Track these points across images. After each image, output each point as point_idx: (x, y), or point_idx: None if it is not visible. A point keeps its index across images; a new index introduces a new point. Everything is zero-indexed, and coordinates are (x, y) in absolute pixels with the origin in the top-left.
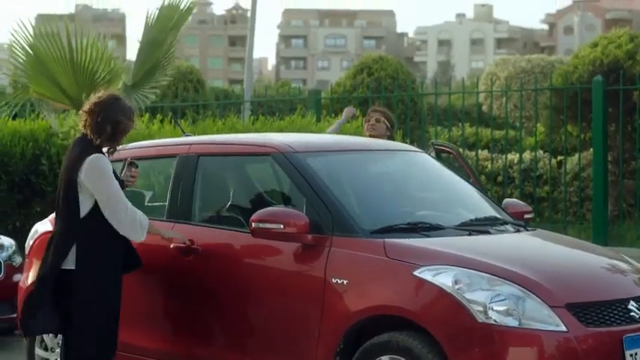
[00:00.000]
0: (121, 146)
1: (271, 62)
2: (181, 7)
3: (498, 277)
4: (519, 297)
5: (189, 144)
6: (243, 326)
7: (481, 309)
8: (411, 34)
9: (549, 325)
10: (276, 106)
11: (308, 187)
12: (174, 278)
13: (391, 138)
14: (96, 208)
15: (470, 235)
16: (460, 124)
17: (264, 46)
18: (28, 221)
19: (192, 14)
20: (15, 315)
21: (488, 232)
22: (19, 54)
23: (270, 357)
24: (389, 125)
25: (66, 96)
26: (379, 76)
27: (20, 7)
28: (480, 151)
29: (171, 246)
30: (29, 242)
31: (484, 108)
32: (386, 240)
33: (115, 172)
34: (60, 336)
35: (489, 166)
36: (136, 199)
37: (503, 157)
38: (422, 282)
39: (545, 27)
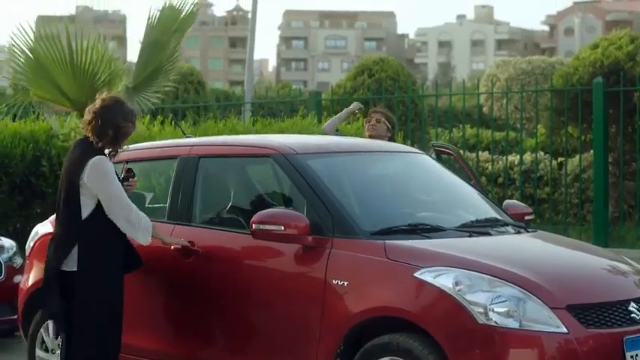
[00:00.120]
0: (123, 147)
1: (272, 64)
2: (183, 8)
3: (499, 278)
4: (520, 298)
5: (189, 145)
6: (243, 328)
7: (482, 310)
8: (411, 36)
9: (550, 327)
10: (277, 107)
11: (308, 189)
12: (174, 280)
13: (392, 139)
14: (97, 210)
15: (470, 236)
16: (461, 126)
17: (265, 48)
18: (29, 223)
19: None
20: (15, 316)
21: (488, 234)
22: (19, 57)
23: (270, 358)
24: (389, 126)
25: (66, 98)
26: (380, 78)
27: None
28: (480, 152)
29: (172, 247)
30: (30, 244)
31: (485, 109)
32: (386, 241)
33: (117, 174)
34: (60, 337)
35: (490, 167)
36: (137, 201)
37: (504, 158)
38: (422, 283)
39: (546, 28)
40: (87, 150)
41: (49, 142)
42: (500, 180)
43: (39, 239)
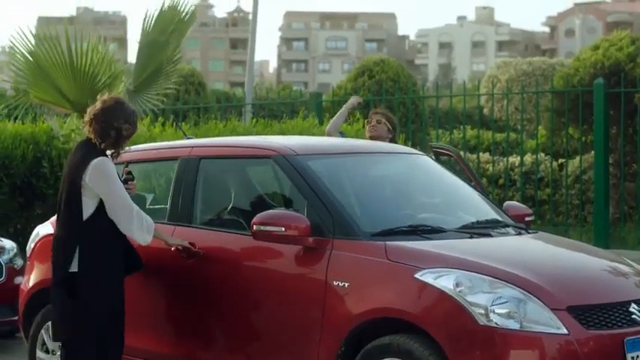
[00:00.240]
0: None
1: (272, 65)
2: (180, 9)
3: (500, 279)
4: (521, 300)
5: (190, 147)
6: (244, 329)
7: (482, 312)
8: (412, 37)
9: (551, 328)
10: (278, 108)
11: (309, 190)
12: (175, 281)
13: (393, 140)
14: (98, 211)
15: (471, 237)
16: (461, 127)
17: (266, 49)
18: (30, 224)
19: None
20: (16, 318)
21: (489, 235)
22: (19, 60)
23: (271, 359)
24: (390, 127)
25: (66, 100)
26: (380, 79)
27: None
28: (481, 153)
29: (173, 248)
30: (31, 245)
31: (485, 111)
32: (387, 243)
33: (119, 175)
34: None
35: (491, 168)
36: (138, 202)
37: (505, 159)
38: (423, 285)
39: (547, 30)
40: (89, 151)
41: (49, 144)
42: (500, 181)
43: (40, 240)
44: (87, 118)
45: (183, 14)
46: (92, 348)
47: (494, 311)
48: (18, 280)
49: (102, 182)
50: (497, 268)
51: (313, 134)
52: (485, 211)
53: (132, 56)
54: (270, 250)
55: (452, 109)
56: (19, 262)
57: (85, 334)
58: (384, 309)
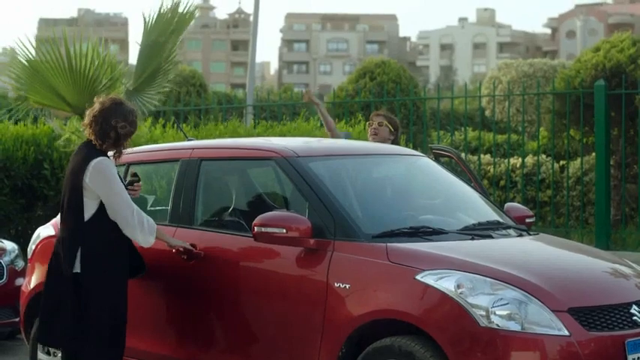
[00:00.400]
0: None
1: (274, 66)
2: (181, 10)
3: (501, 281)
4: (522, 301)
5: (191, 148)
6: (245, 330)
7: (484, 313)
8: (413, 39)
9: (552, 330)
10: (279, 110)
11: (310, 192)
12: (176, 282)
13: (395, 141)
14: (100, 212)
15: (472, 239)
16: (463, 129)
17: (267, 51)
18: (31, 225)
19: (194, 18)
20: (17, 319)
21: (490, 237)
22: (17, 67)
23: None
24: (392, 129)
25: (66, 103)
26: (381, 81)
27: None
28: (482, 155)
29: (174, 250)
30: (32, 246)
31: (486, 112)
32: (388, 244)
33: (120, 176)
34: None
35: (492, 170)
36: (139, 204)
37: (506, 161)
38: (424, 286)
39: (548, 31)
40: (90, 152)
41: (50, 146)
42: (502, 183)
43: (41, 242)
44: (86, 120)
45: (184, 14)
46: (94, 349)
47: (495, 313)
48: (19, 281)
49: (102, 182)
50: (498, 269)
51: (315, 136)
52: (487, 212)
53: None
54: (271, 252)
55: (453, 110)
56: (20, 263)
57: (87, 335)
58: (385, 310)
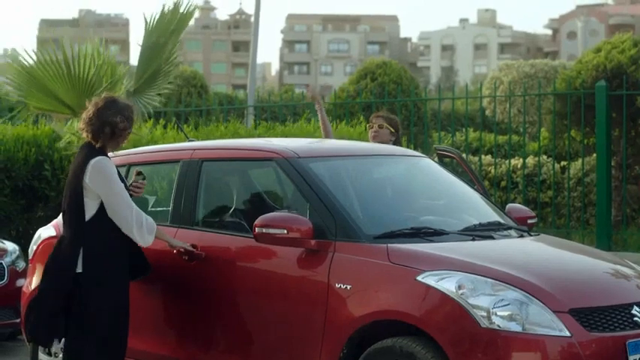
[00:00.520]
0: (125, 151)
1: (275, 67)
2: (182, 10)
3: (502, 282)
4: (523, 302)
5: (192, 149)
6: (245, 331)
7: (485, 314)
8: (414, 39)
9: (553, 330)
10: (280, 111)
11: (311, 193)
12: (177, 283)
13: (397, 142)
14: (100, 212)
15: (473, 240)
16: (463, 129)
17: (268, 51)
18: (31, 226)
19: (195, 19)
20: (18, 320)
21: (491, 237)
22: (14, 74)
23: None
24: (392, 130)
25: (66, 106)
26: (382, 82)
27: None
28: (483, 156)
29: (175, 251)
30: (32, 247)
31: (487, 113)
32: (389, 245)
33: (121, 176)
34: (63, 340)
35: (493, 171)
36: (140, 204)
37: (507, 162)
38: (425, 287)
39: (549, 32)
40: (90, 152)
41: (51, 147)
42: (503, 184)
43: (42, 243)
44: (81, 124)
45: (184, 13)
46: (93, 349)
47: (496, 314)
48: (20, 282)
49: (101, 182)
50: (499, 270)
51: (316, 137)
52: (487, 213)
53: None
54: (272, 253)
55: (454, 111)
56: (21, 264)
57: (88, 335)
58: (386, 311)
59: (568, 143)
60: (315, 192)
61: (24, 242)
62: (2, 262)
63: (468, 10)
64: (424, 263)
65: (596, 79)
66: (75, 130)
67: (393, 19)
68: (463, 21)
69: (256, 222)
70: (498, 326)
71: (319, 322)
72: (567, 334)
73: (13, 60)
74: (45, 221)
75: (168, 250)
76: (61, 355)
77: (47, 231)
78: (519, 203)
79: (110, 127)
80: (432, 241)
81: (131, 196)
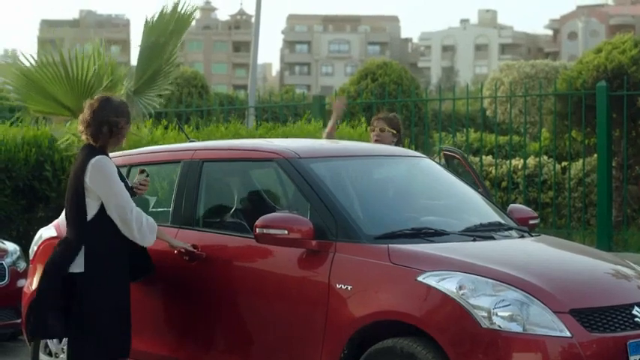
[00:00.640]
0: (125, 152)
1: (275, 68)
2: (180, 10)
3: (502, 282)
4: (523, 302)
5: (193, 149)
6: (246, 331)
7: (485, 314)
8: (415, 40)
9: (553, 331)
10: (281, 111)
11: (312, 193)
12: (178, 283)
13: (399, 143)
14: (101, 211)
15: (474, 240)
16: (464, 130)
17: (269, 52)
18: (32, 226)
19: (196, 20)
20: (19, 320)
21: (492, 238)
22: (13, 78)
23: None
24: (395, 131)
25: (66, 109)
26: (383, 82)
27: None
28: (484, 156)
29: (176, 251)
30: (33, 247)
31: (488, 113)
32: (390, 245)
33: (122, 176)
34: (64, 341)
35: (493, 171)
36: (141, 205)
37: (508, 162)
38: (426, 287)
39: (550, 32)
40: (90, 152)
41: (52, 147)
42: (503, 184)
43: (42, 243)
44: (80, 127)
45: (183, 14)
46: (93, 349)
47: (497, 314)
48: (21, 282)
49: (101, 181)
50: (500, 270)
51: (317, 138)
52: (488, 213)
53: (135, 59)
54: (273, 253)
55: (455, 111)
56: (22, 264)
57: (89, 335)
58: (386, 312)
59: (569, 144)
60: (315, 192)
61: (25, 243)
62: (3, 262)
63: (468, 10)
64: (425, 264)
65: (596, 80)
66: (75, 131)
67: (394, 19)
68: (464, 21)
69: (257, 222)
70: (499, 327)
71: (320, 323)
72: (568, 334)
73: (11, 63)
74: (46, 222)
75: (169, 250)
76: (61, 356)
77: (48, 231)
78: (520, 204)
79: (108, 127)
80: (432, 242)
81: (135, 194)
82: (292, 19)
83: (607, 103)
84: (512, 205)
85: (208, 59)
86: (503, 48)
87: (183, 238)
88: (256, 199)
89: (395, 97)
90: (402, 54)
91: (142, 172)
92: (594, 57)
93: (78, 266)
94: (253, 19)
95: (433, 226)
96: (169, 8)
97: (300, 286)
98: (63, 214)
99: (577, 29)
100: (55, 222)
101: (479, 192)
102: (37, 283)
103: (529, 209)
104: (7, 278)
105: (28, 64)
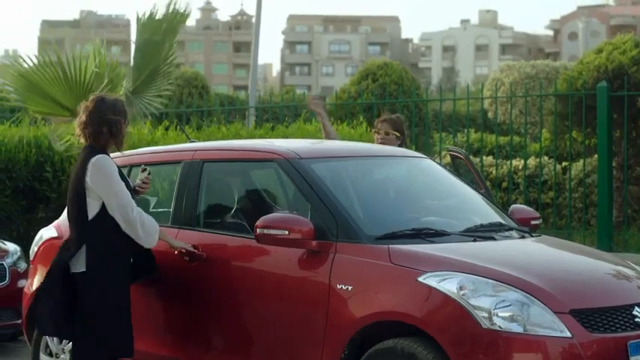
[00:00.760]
0: (126, 152)
1: (276, 68)
2: (172, 7)
3: (503, 283)
4: (524, 303)
5: (193, 150)
6: (246, 332)
7: (486, 315)
8: (415, 40)
9: (554, 331)
10: (281, 112)
11: (313, 193)
12: (178, 284)
13: (403, 144)
14: (103, 211)
15: (475, 241)
16: (465, 130)
17: (269, 52)
18: (32, 227)
19: (197, 20)
20: (20, 321)
21: (492, 238)
22: (11, 79)
23: None
24: (398, 134)
25: (66, 109)
26: (384, 82)
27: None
28: (484, 156)
29: (176, 252)
30: (34, 248)
31: (489, 114)
32: (390, 246)
33: (123, 176)
34: (65, 342)
35: (494, 172)
36: (141, 205)
37: (508, 163)
38: (427, 288)
39: (550, 33)
40: (91, 152)
41: (52, 148)
42: (504, 184)
43: (43, 244)
44: (77, 130)
45: (177, 12)
46: (94, 348)
47: (497, 315)
48: (21, 283)
49: (101, 180)
50: (500, 271)
51: (317, 138)
52: (489, 214)
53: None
54: (273, 254)
55: (455, 112)
56: (22, 265)
57: (89, 335)
58: (387, 312)
59: (569, 144)
60: (316, 193)
61: (25, 243)
62: (3, 262)
63: (469, 11)
64: (425, 264)
65: (597, 80)
66: (73, 132)
67: (395, 19)
68: (464, 22)
69: (257, 223)
70: (499, 327)
71: (320, 323)
72: (568, 334)
73: (10, 64)
74: (46, 222)
75: (169, 250)
76: (62, 356)
77: (49, 232)
78: (520, 204)
79: (107, 126)
80: (433, 242)
81: (138, 193)
82: (293, 19)
83: (607, 103)
84: (514, 206)
85: (209, 60)
86: (504, 48)
87: (184, 239)
88: (257, 200)
89: (395, 97)
90: (402, 54)
91: (144, 170)
92: (595, 57)
93: (80, 266)
94: (254, 20)
95: (434, 226)
96: (161, 6)
97: (301, 286)
98: (64, 214)
99: (577, 30)
100: (56, 222)
101: (480, 192)
102: (37, 284)
103: (531, 210)
104: (7, 279)
105: (25, 65)
